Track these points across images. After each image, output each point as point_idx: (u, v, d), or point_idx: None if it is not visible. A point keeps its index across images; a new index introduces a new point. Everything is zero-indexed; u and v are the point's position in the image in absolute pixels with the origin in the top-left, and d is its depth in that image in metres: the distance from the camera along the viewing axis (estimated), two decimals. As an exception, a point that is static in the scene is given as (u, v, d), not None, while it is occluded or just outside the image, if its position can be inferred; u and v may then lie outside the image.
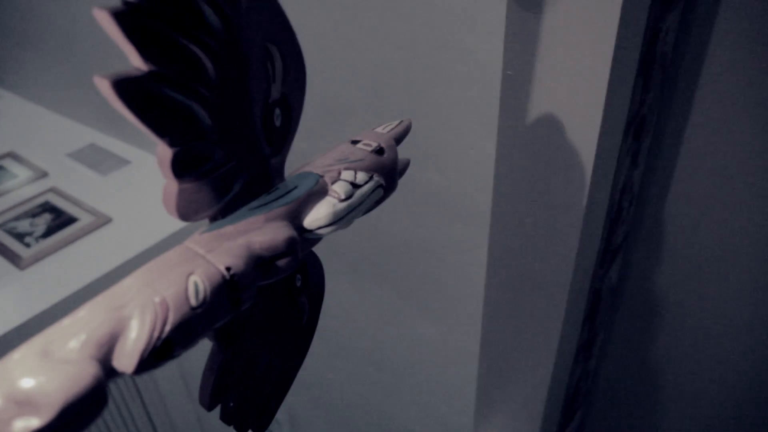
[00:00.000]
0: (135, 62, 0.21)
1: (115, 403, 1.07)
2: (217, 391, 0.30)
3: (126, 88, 0.21)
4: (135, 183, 1.18)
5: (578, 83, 0.49)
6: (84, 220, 1.09)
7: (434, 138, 0.65)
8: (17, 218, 1.11)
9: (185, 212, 0.25)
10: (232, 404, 0.31)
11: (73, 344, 0.21)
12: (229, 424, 0.32)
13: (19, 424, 0.19)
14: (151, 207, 1.11)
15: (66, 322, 0.22)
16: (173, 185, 0.24)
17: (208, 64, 0.23)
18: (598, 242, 0.63)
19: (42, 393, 0.20)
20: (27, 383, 0.20)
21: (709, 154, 0.62)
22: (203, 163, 0.25)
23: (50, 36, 1.24)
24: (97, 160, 1.24)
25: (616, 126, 0.54)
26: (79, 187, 1.17)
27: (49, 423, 0.19)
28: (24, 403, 0.19)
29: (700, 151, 0.63)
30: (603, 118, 0.49)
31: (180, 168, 0.24)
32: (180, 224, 1.05)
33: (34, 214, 1.12)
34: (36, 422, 0.19)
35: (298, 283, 0.33)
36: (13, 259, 1.01)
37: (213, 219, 0.27)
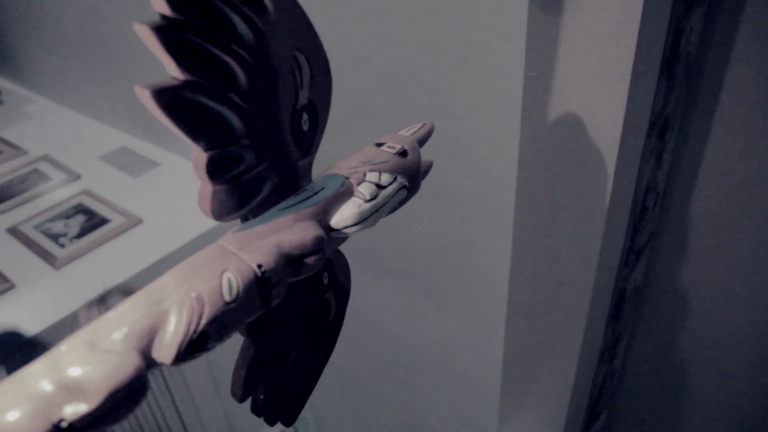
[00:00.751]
0: (172, 72, 0.23)
1: (146, 398, 1.10)
2: (248, 384, 0.31)
3: (164, 96, 0.22)
4: (164, 185, 1.21)
5: (600, 83, 0.49)
6: (116, 221, 1.12)
7: (457, 139, 0.66)
8: (52, 219, 1.15)
9: (219, 213, 0.27)
10: (262, 397, 0.33)
11: (117, 336, 0.23)
12: (259, 416, 0.33)
13: (69, 408, 0.21)
14: (181, 208, 1.14)
15: (110, 315, 0.23)
16: (208, 187, 0.26)
17: (240, 73, 0.25)
18: (622, 242, 0.63)
19: (89, 381, 0.21)
20: (75, 371, 0.21)
21: (734, 153, 0.62)
22: (236, 166, 0.26)
23: (83, 43, 1.27)
24: (128, 162, 1.27)
25: (639, 126, 0.54)
26: (110, 189, 1.20)
27: (96, 408, 0.21)
28: (73, 390, 0.21)
29: (725, 151, 0.62)
30: (625, 117, 0.49)
31: (214, 171, 0.25)
32: (208, 225, 1.07)
33: (68, 215, 1.15)
34: (84, 407, 0.21)
35: (325, 281, 0.35)
36: (49, 259, 1.04)
37: (244, 219, 0.28)
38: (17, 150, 1.38)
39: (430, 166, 0.36)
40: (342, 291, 0.36)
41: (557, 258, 0.61)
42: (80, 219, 1.14)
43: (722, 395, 0.77)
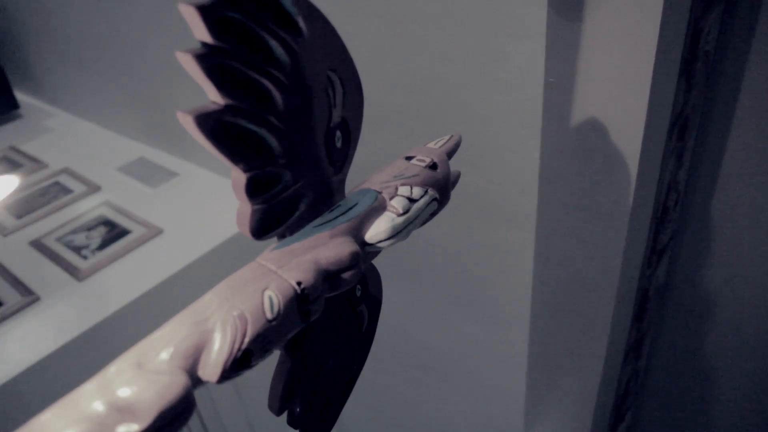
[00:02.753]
0: (213, 97, 0.23)
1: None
2: (285, 396, 0.32)
3: (207, 122, 0.23)
4: (183, 194, 1.22)
5: (621, 86, 0.49)
6: (137, 231, 1.13)
7: (479, 144, 0.66)
8: (74, 232, 1.16)
9: (258, 232, 0.27)
10: (298, 409, 0.33)
11: (164, 356, 0.23)
12: (295, 428, 0.34)
13: (122, 429, 0.21)
14: (201, 217, 1.15)
15: (155, 335, 0.24)
16: (247, 207, 0.26)
17: (277, 95, 0.25)
18: (645, 242, 0.63)
19: (140, 401, 0.22)
20: (126, 392, 0.22)
21: (754, 151, 0.62)
22: (274, 185, 0.27)
23: (100, 56, 1.29)
24: (146, 173, 1.29)
25: (660, 127, 0.54)
26: (130, 199, 1.22)
27: (147, 428, 0.21)
28: (124, 410, 0.22)
29: (745, 149, 0.62)
30: (647, 119, 0.50)
31: (253, 191, 0.26)
32: (229, 233, 1.08)
33: (89, 227, 1.17)
34: (136, 427, 0.21)
35: (358, 293, 0.35)
36: (72, 271, 1.06)
37: (281, 236, 0.29)
38: (38, 163, 1.40)
39: (458, 176, 0.36)
40: (374, 303, 0.36)
41: (580, 260, 0.62)
42: (102, 230, 1.15)
43: (748, 395, 0.77)
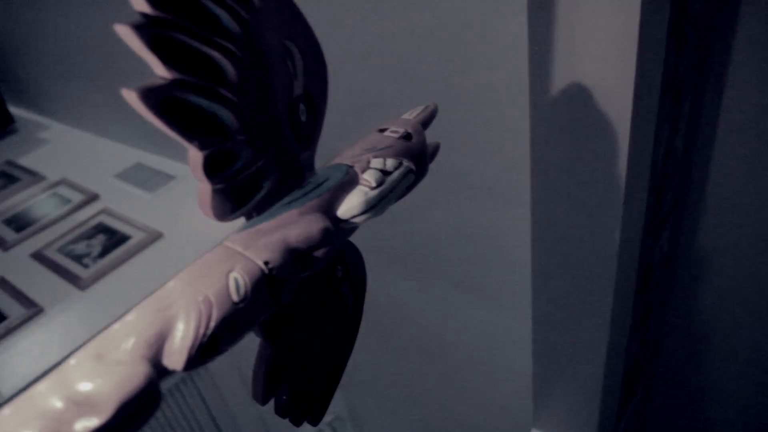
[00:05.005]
0: (159, 71, 0.22)
1: (181, 410, 1.11)
2: (269, 385, 0.31)
3: (153, 97, 0.22)
4: (181, 197, 1.21)
5: (607, 51, 0.48)
6: (136, 237, 1.13)
7: (468, 122, 0.65)
8: (74, 241, 1.16)
9: (221, 213, 0.26)
10: (285, 397, 0.32)
11: (125, 346, 0.22)
12: (283, 417, 0.33)
13: (81, 424, 0.20)
14: (200, 218, 1.13)
15: (116, 326, 0.23)
16: (207, 187, 0.25)
17: (229, 68, 0.24)
18: (644, 211, 0.61)
19: (99, 394, 0.21)
20: (85, 386, 0.21)
21: (752, 112, 0.60)
22: (234, 163, 0.26)
23: (91, 64, 1.28)
24: (143, 178, 1.28)
25: (652, 92, 0.53)
26: (129, 205, 1.21)
27: (107, 421, 0.20)
28: (83, 405, 0.21)
29: (742, 111, 0.61)
30: (636, 83, 0.48)
31: (212, 170, 0.25)
32: (229, 232, 1.07)
33: (89, 235, 1.16)
34: (96, 421, 0.20)
35: (339, 274, 0.34)
36: (74, 280, 1.06)
37: (249, 217, 0.28)
38: (35, 176, 1.39)
39: (437, 148, 0.35)
40: (358, 283, 0.35)
41: (579, 233, 0.60)
42: (101, 238, 1.15)
43: (762, 363, 0.75)
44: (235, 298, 0.23)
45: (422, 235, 0.84)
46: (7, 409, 0.21)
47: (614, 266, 0.60)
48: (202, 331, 0.23)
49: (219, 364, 1.12)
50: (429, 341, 1.01)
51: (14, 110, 1.62)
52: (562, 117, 0.54)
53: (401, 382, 1.17)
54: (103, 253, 1.11)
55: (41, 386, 0.21)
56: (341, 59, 0.71)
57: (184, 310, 0.23)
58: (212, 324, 0.23)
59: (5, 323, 0.99)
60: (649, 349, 0.84)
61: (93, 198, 1.27)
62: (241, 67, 0.25)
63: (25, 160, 1.47)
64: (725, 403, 0.82)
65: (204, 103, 0.24)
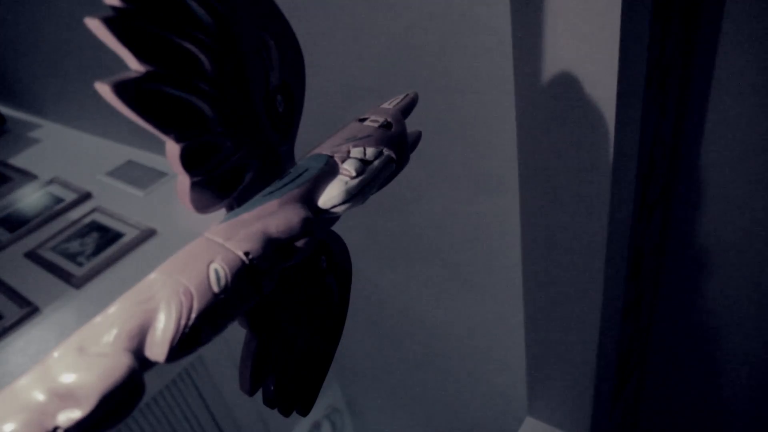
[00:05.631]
0: (131, 65, 0.22)
1: (180, 407, 1.11)
2: (256, 376, 0.31)
3: (126, 89, 0.22)
4: (173, 193, 1.21)
5: (590, 35, 0.48)
6: (130, 234, 1.13)
7: (455, 113, 0.65)
8: (68, 240, 1.16)
9: (200, 205, 0.26)
10: (272, 388, 0.32)
11: (106, 339, 0.22)
12: (272, 407, 0.33)
13: (63, 416, 0.20)
14: (193, 214, 1.13)
15: (98, 319, 0.23)
16: (185, 179, 0.25)
17: (204, 59, 0.24)
18: (632, 197, 0.62)
19: (81, 386, 0.21)
20: (66, 378, 0.21)
21: (740, 95, 0.60)
22: (212, 155, 0.26)
23: (80, 62, 1.28)
24: (135, 175, 1.28)
25: (636, 76, 0.53)
26: (121, 203, 1.21)
27: (89, 413, 0.20)
28: (66, 397, 0.21)
29: (731, 93, 0.61)
30: (619, 68, 0.48)
31: (190, 162, 0.25)
32: (220, 228, 1.07)
33: (82, 234, 1.16)
34: (78, 413, 0.20)
35: (324, 265, 0.34)
36: (68, 278, 1.05)
37: (230, 209, 0.28)
38: (27, 176, 1.39)
39: (418, 136, 0.35)
40: (343, 273, 0.35)
41: (567, 220, 0.60)
42: (95, 236, 1.15)
43: (754, 346, 0.76)
44: (215, 289, 0.24)
45: (413, 227, 0.84)
46: None
47: (603, 253, 0.60)
48: (183, 322, 0.23)
49: (218, 365, 1.12)
50: (424, 332, 1.01)
51: (4, 110, 1.62)
52: (547, 104, 0.54)
53: (398, 374, 1.18)
54: (97, 251, 1.11)
55: (24, 380, 0.21)
56: (326, 51, 0.71)
57: (165, 301, 0.23)
58: (193, 315, 0.23)
59: (1, 323, 0.99)
60: (643, 335, 0.84)
61: (85, 196, 1.27)
62: (217, 58, 0.25)
63: (16, 160, 1.46)
64: (720, 387, 0.83)
65: (179, 94, 0.24)
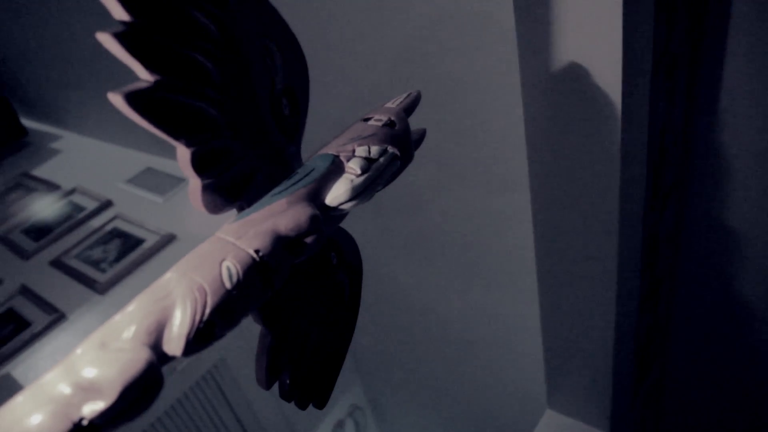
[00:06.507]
0: (141, 75, 0.24)
1: (205, 409, 1.13)
2: (271, 370, 0.32)
3: (137, 99, 0.23)
4: (192, 198, 1.23)
5: (593, 26, 0.48)
6: (150, 240, 1.15)
7: (464, 112, 0.65)
8: (90, 247, 1.18)
9: (212, 206, 0.27)
10: (288, 381, 0.34)
11: (126, 335, 0.24)
12: (288, 400, 0.34)
13: (88, 407, 0.22)
14: (212, 219, 1.15)
15: (117, 317, 0.24)
16: (197, 182, 0.26)
17: (210, 66, 0.25)
18: (644, 185, 0.62)
19: (103, 379, 0.22)
20: (90, 372, 0.22)
21: (751, 81, 0.60)
22: (222, 158, 0.27)
23: (98, 74, 1.30)
24: (154, 182, 1.31)
25: (642, 66, 0.53)
26: (141, 210, 1.24)
27: (113, 404, 0.22)
28: (89, 390, 0.22)
29: (740, 81, 0.61)
30: (624, 58, 0.48)
31: (200, 166, 0.26)
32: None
33: (105, 241, 1.19)
34: (101, 404, 0.22)
35: (334, 261, 0.35)
36: (92, 285, 1.08)
37: (240, 209, 0.29)
38: (50, 186, 1.42)
39: (422, 134, 0.36)
40: (353, 269, 0.36)
41: (578, 212, 0.61)
42: (117, 243, 1.18)
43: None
44: (228, 285, 0.25)
45: (430, 226, 0.84)
46: (20, 396, 0.22)
47: (616, 242, 0.60)
48: (198, 318, 0.24)
49: (242, 367, 1.14)
50: (442, 329, 1.02)
51: (27, 123, 1.66)
52: (554, 98, 0.55)
53: (419, 371, 1.18)
54: (119, 257, 1.13)
55: (50, 374, 0.23)
56: (335, 55, 0.72)
57: (180, 298, 0.24)
58: (207, 311, 0.24)
59: (29, 330, 1.01)
60: (662, 324, 0.84)
61: (106, 204, 1.30)
62: (222, 65, 0.26)
63: (39, 171, 1.50)
64: (745, 376, 0.82)
65: (187, 101, 0.25)
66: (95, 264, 1.13)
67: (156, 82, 0.24)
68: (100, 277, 1.09)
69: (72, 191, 1.37)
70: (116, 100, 0.23)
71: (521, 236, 0.72)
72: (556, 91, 0.54)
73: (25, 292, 1.11)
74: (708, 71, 0.62)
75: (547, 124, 0.57)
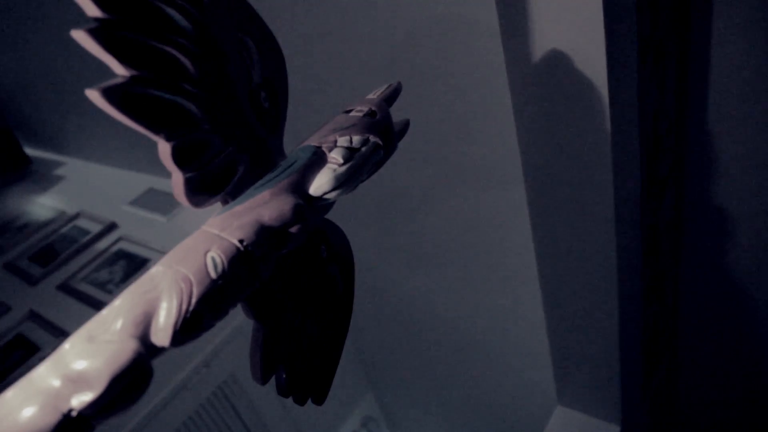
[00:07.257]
0: (117, 70, 0.24)
1: (217, 425, 1.12)
2: (266, 365, 0.32)
3: (113, 94, 0.23)
4: (195, 216, 1.24)
5: (574, 14, 0.48)
6: (155, 259, 1.15)
7: (453, 110, 0.66)
8: (97, 270, 1.19)
9: (195, 200, 0.28)
10: (284, 376, 0.34)
11: (114, 327, 0.24)
12: (285, 396, 0.34)
13: (77, 399, 0.22)
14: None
15: (105, 311, 0.25)
16: (179, 176, 0.27)
17: (186, 62, 0.26)
18: (638, 174, 0.62)
19: (92, 370, 0.22)
20: (78, 364, 0.23)
21: (742, 63, 0.60)
22: (203, 151, 0.27)
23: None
24: (156, 202, 1.31)
25: (627, 53, 0.53)
26: (145, 230, 1.24)
27: (101, 395, 0.22)
28: (78, 382, 0.22)
29: (732, 63, 0.61)
30: (607, 46, 0.49)
31: (182, 159, 0.26)
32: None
33: (110, 262, 1.20)
34: (90, 395, 0.22)
35: (324, 254, 0.35)
36: (99, 307, 1.08)
37: (225, 203, 0.29)
38: (55, 212, 1.44)
39: (406, 125, 0.36)
40: (344, 262, 0.37)
41: (573, 204, 0.61)
42: (122, 264, 1.18)
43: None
44: (213, 275, 0.25)
45: (429, 228, 0.85)
46: (10, 391, 0.22)
47: (613, 233, 0.60)
48: (184, 308, 0.24)
49: (252, 382, 1.13)
50: (449, 333, 1.01)
51: (30, 151, 1.68)
52: (541, 91, 0.55)
53: (428, 377, 1.18)
54: (125, 277, 1.14)
55: (40, 368, 0.23)
56: (324, 53, 0.73)
57: (166, 290, 0.25)
58: (194, 301, 0.24)
59: (38, 355, 1.02)
60: (670, 314, 0.84)
61: (111, 227, 1.30)
62: (198, 60, 0.26)
63: (43, 198, 1.51)
64: (759, 362, 0.81)
65: (165, 96, 0.25)
66: (102, 286, 1.14)
67: (131, 77, 0.24)
68: (107, 299, 1.09)
69: (76, 216, 1.38)
70: (93, 96, 0.23)
71: (520, 232, 0.72)
72: (541, 84, 0.54)
73: (34, 317, 1.12)
74: (697, 57, 0.62)
75: (535, 119, 0.57)
